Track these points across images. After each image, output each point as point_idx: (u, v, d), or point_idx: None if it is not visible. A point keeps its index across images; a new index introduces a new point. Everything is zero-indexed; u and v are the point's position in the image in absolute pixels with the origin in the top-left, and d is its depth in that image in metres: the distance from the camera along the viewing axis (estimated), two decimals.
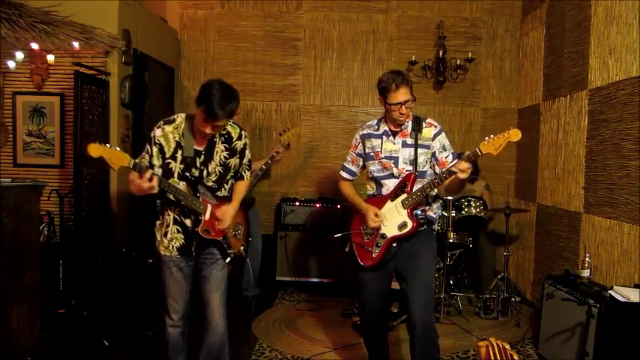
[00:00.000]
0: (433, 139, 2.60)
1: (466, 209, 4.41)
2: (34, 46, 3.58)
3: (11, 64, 3.73)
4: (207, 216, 2.43)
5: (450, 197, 4.15)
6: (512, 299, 4.17)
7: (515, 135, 2.28)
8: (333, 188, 5.16)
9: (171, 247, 2.46)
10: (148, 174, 2.22)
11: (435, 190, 2.65)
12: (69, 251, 3.50)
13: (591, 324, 2.80)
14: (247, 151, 2.60)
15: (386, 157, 2.62)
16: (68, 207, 3.68)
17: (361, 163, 2.77)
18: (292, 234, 4.81)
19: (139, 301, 3.57)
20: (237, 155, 2.54)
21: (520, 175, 5.11)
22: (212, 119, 2.27)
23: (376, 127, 2.69)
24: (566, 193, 4.03)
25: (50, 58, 3.78)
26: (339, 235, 2.81)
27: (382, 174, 2.63)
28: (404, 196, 2.55)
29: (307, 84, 5.33)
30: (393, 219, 2.57)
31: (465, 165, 2.30)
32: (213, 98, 2.23)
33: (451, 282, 4.37)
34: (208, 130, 2.32)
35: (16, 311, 2.71)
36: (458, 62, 5.04)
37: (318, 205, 4.93)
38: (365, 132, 2.72)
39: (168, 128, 2.43)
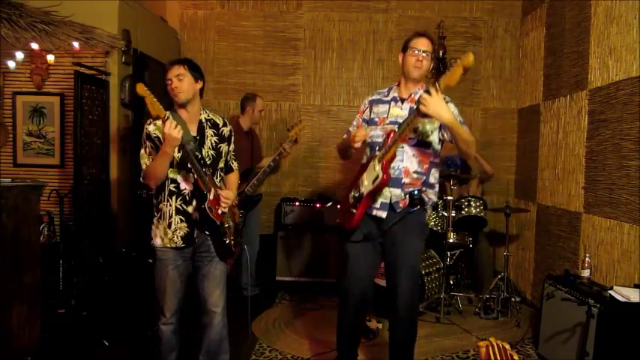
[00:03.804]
0: None
1: (466, 209, 4.41)
2: (34, 46, 3.58)
3: (11, 64, 3.72)
4: (212, 196, 2.48)
5: (450, 197, 4.16)
6: (512, 299, 4.17)
7: (466, 60, 2.20)
8: (333, 188, 5.17)
9: (175, 238, 2.47)
10: (173, 123, 2.27)
11: (437, 177, 2.66)
12: (69, 251, 3.50)
13: (591, 324, 2.80)
14: (233, 139, 2.69)
15: (390, 123, 2.60)
16: (68, 207, 3.68)
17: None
18: (292, 234, 4.80)
19: (139, 301, 3.57)
20: (226, 142, 2.63)
21: (520, 175, 5.10)
22: (178, 62, 2.47)
23: (386, 93, 2.74)
24: (566, 193, 4.03)
25: (50, 58, 3.77)
26: (329, 204, 2.76)
27: (381, 139, 2.59)
28: (380, 152, 2.54)
29: (307, 84, 5.33)
30: (370, 176, 2.57)
31: (424, 94, 2.29)
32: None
33: (451, 282, 4.37)
34: (176, 82, 2.43)
35: (16, 311, 2.71)
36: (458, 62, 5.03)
37: (318, 205, 4.92)
38: (374, 97, 2.76)
39: (159, 122, 2.44)
